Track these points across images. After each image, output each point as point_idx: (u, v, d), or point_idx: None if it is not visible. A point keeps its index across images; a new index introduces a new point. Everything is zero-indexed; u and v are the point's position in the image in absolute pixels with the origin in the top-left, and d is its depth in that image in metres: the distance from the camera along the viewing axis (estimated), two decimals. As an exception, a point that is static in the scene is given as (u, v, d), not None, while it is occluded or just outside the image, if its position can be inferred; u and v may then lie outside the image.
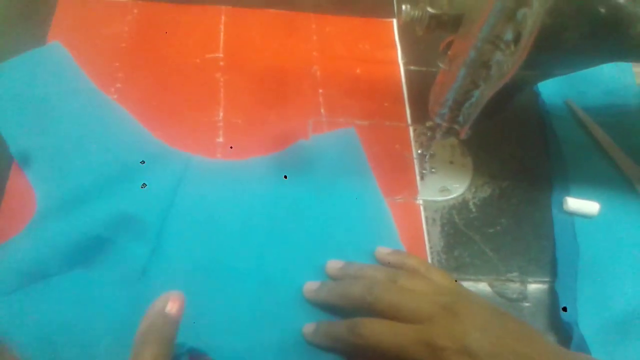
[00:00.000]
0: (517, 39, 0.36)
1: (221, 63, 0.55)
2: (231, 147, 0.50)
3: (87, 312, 0.40)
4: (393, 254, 0.44)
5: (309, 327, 0.40)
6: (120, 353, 0.33)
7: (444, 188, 0.51)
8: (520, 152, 0.54)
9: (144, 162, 0.45)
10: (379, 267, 0.43)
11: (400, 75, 0.57)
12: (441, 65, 0.44)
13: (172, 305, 0.33)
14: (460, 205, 0.51)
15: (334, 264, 0.43)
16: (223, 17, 0.58)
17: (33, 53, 0.52)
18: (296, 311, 0.42)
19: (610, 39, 0.34)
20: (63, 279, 0.41)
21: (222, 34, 0.57)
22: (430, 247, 0.48)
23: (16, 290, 0.40)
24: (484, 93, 0.41)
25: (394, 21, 0.61)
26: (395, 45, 0.60)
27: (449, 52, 0.43)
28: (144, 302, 0.33)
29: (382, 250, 0.45)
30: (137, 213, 0.44)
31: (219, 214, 0.46)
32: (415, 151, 0.52)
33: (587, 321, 0.43)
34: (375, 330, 0.36)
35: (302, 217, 0.47)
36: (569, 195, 0.50)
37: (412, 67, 0.58)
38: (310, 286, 0.42)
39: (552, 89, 0.57)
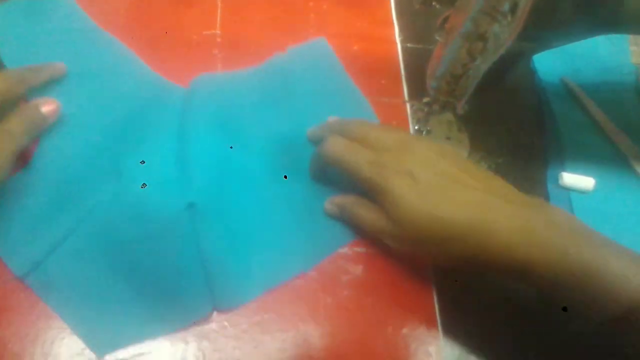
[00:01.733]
0: (513, 10, 0.36)
1: (218, 40, 0.55)
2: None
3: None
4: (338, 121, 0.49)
5: (327, 201, 0.46)
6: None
7: (440, 163, 0.51)
8: (516, 129, 0.54)
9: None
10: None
11: (398, 53, 0.58)
12: (439, 38, 0.44)
13: (47, 107, 0.44)
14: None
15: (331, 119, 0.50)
16: (220, -7, 0.58)
17: None
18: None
19: (604, 10, 0.35)
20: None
21: (219, 10, 0.57)
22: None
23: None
24: (481, 65, 0.41)
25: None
26: (393, 22, 0.60)
27: (446, 25, 0.43)
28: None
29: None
30: (147, 134, 0.48)
31: (224, 119, 0.49)
32: (413, 127, 0.53)
33: None
34: (337, 145, 0.42)
35: (293, 111, 0.52)
36: (564, 170, 0.51)
37: (409, 45, 0.58)
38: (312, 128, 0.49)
39: (548, 66, 0.57)
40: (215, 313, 0.42)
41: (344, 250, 0.46)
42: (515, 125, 0.55)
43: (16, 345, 0.39)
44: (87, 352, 0.39)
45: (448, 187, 0.38)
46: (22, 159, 0.44)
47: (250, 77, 0.53)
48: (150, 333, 0.41)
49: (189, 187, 0.44)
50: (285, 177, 0.48)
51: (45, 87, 0.47)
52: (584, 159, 0.52)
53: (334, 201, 0.46)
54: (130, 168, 0.46)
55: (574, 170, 0.51)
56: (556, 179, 0.51)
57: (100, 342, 0.40)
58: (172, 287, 0.42)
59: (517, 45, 0.37)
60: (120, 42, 0.53)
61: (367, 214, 0.42)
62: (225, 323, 0.41)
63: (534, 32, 0.36)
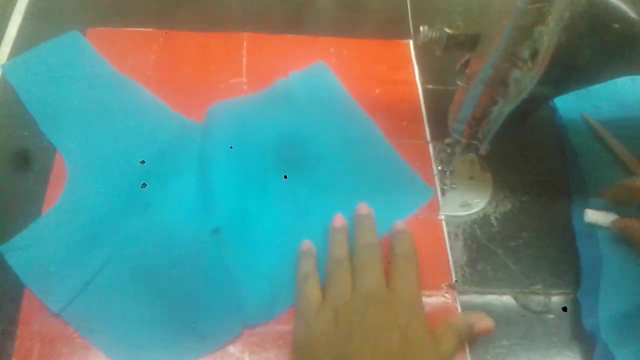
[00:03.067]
0: (534, 56, 0.37)
1: (244, 87, 0.57)
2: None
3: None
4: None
5: None
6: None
7: (465, 203, 0.52)
8: (539, 166, 0.55)
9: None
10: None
11: (418, 94, 0.59)
12: (460, 83, 0.45)
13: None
14: (482, 220, 0.51)
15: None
16: (245, 43, 0.60)
17: (53, 42, 0.57)
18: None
19: (624, 53, 0.36)
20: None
21: (244, 59, 0.59)
22: (454, 262, 0.49)
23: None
24: (502, 109, 0.42)
25: (411, 42, 0.63)
26: (412, 65, 0.61)
27: (467, 71, 0.44)
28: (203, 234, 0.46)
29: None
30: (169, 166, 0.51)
31: (238, 146, 0.52)
32: (436, 167, 0.54)
33: (610, 329, 0.44)
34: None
35: (299, 130, 0.55)
36: (588, 207, 0.51)
37: (429, 86, 0.60)
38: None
39: (568, 104, 0.58)
40: (248, 358, 0.42)
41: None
42: (538, 163, 0.55)
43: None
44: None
45: None
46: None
47: (257, 102, 0.56)
48: (188, 357, 0.42)
49: (212, 213, 0.47)
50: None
51: (69, 129, 0.51)
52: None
53: (616, 223, 0.48)
54: (156, 201, 0.48)
55: (598, 207, 0.51)
56: (581, 216, 0.51)
57: None
58: (204, 310, 0.43)
59: (539, 90, 0.38)
60: (138, 84, 0.56)
61: None
62: (258, 369, 0.42)
63: (555, 78, 0.37)
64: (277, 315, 0.44)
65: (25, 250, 0.45)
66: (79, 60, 0.56)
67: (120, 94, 0.55)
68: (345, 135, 0.55)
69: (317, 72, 0.59)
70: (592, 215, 0.50)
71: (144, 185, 0.48)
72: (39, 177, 0.50)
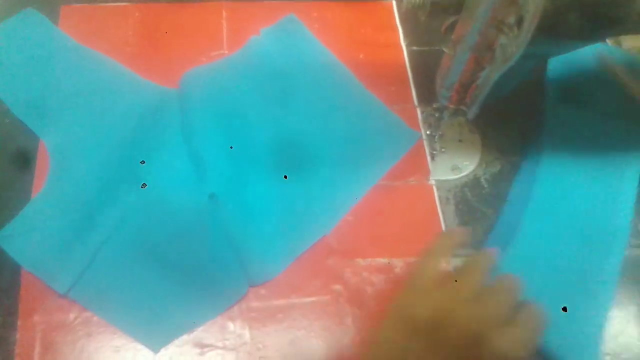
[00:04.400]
0: (519, 23, 0.37)
1: (226, 59, 0.56)
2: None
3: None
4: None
5: None
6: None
7: (455, 167, 0.52)
8: (527, 125, 0.55)
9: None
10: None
11: (404, 57, 0.58)
12: (445, 49, 0.44)
13: None
14: (472, 183, 0.52)
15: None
16: (224, 12, 0.59)
17: (6, 22, 0.55)
18: None
19: (612, 18, 0.35)
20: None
21: (224, 30, 0.58)
22: (446, 226, 0.49)
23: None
24: (490, 75, 0.42)
25: (394, 2, 0.61)
26: (397, 27, 0.60)
27: (453, 36, 0.43)
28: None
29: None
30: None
31: (217, 109, 0.51)
32: (424, 132, 0.53)
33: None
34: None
35: (276, 85, 0.54)
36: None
37: (414, 48, 0.59)
38: None
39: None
40: (248, 334, 0.43)
41: (366, 262, 0.47)
42: (527, 122, 0.55)
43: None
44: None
45: None
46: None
47: (232, 63, 0.55)
48: (198, 320, 0.43)
49: (205, 180, 0.47)
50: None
51: (43, 111, 0.51)
52: None
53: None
54: (148, 173, 0.48)
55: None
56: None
57: (153, 339, 0.42)
58: (209, 274, 0.45)
59: (526, 55, 0.38)
60: (106, 57, 0.54)
61: None
62: (260, 345, 0.43)
63: (542, 43, 0.37)
64: (279, 272, 0.46)
65: (21, 236, 0.45)
66: (41, 38, 0.55)
67: (90, 70, 0.53)
68: (323, 85, 0.55)
69: (288, 25, 0.58)
70: None
71: (143, 162, 0.48)
72: (24, 164, 0.49)
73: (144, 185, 0.47)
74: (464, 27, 0.42)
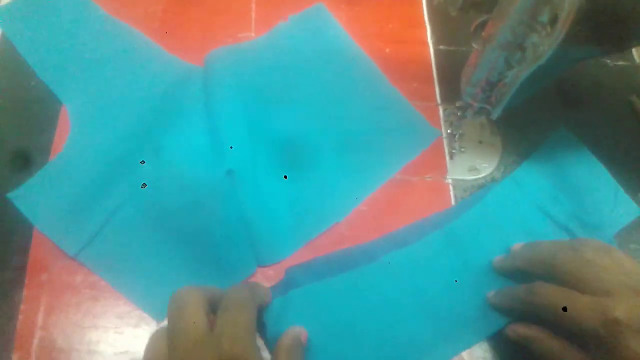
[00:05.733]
0: (553, 21, 0.36)
1: (253, 42, 0.56)
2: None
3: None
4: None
5: (491, 292, 0.43)
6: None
7: (472, 167, 0.52)
8: (549, 131, 0.54)
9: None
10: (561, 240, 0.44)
11: (430, 55, 0.58)
12: (475, 46, 0.44)
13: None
14: (489, 185, 0.51)
15: (517, 246, 0.45)
16: (254, -3, 0.59)
17: None
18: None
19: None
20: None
21: (253, 12, 0.58)
22: (459, 225, 0.49)
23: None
24: (518, 74, 0.41)
25: (423, 0, 0.61)
26: (425, 24, 0.60)
27: (483, 33, 0.43)
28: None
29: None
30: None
31: (243, 88, 0.51)
32: (445, 130, 0.53)
33: None
34: (551, 292, 0.37)
35: (301, 71, 0.54)
36: None
37: (441, 47, 0.58)
38: (498, 258, 0.44)
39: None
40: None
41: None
42: (549, 128, 0.54)
43: (64, 344, 0.41)
44: (132, 350, 0.41)
45: None
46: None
47: (258, 46, 0.56)
48: None
49: (224, 155, 0.47)
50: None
51: (68, 76, 0.51)
52: None
53: (521, 332, 0.40)
54: (167, 144, 0.48)
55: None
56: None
57: (157, 308, 0.42)
58: (219, 249, 0.44)
59: (557, 56, 0.37)
60: (134, 29, 0.55)
61: (565, 352, 0.37)
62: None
63: (573, 45, 0.36)
64: (289, 254, 0.46)
65: (36, 196, 0.45)
66: (70, 6, 0.55)
67: (117, 40, 0.54)
68: (347, 75, 0.55)
69: (316, 14, 0.58)
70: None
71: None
72: (45, 127, 0.49)
73: (161, 154, 0.48)
74: (495, 24, 0.42)
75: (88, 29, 0.54)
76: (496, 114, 0.46)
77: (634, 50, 0.59)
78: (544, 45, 0.37)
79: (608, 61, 0.59)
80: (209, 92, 0.51)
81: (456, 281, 0.44)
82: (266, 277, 0.45)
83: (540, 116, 0.55)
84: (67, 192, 0.45)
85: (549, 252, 0.40)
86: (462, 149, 0.52)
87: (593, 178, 0.50)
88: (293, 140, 0.50)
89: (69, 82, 0.51)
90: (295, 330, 0.39)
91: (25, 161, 0.48)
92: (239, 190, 0.46)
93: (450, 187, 0.50)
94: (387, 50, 0.58)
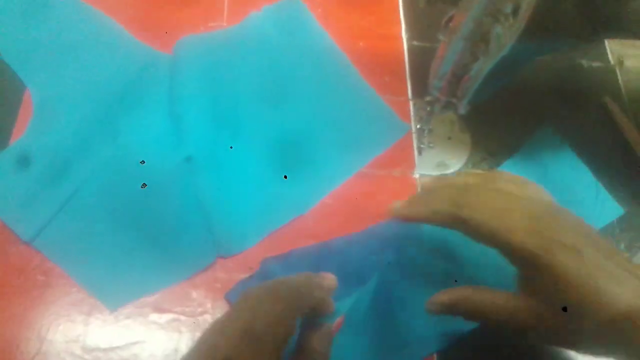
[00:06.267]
0: (515, 11, 0.36)
1: (224, 32, 0.55)
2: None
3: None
4: None
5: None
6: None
7: (441, 163, 0.51)
8: (519, 129, 0.54)
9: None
10: None
11: (404, 51, 0.57)
12: (442, 37, 0.44)
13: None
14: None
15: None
16: (227, -16, 0.58)
17: None
18: None
19: (607, 11, 0.34)
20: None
21: (226, 2, 0.57)
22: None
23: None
24: (483, 66, 0.41)
25: (399, -5, 0.61)
26: (399, 19, 0.59)
27: (450, 24, 0.43)
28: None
29: None
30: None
31: (210, 78, 0.51)
32: (415, 126, 0.53)
33: None
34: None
35: (272, 63, 0.54)
36: None
37: (415, 42, 0.58)
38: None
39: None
40: (210, 303, 0.42)
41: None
42: (519, 126, 0.54)
43: (13, 330, 0.40)
44: (82, 338, 0.40)
45: (613, 270, 0.32)
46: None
47: (229, 35, 0.55)
48: (160, 284, 0.43)
49: (184, 142, 0.46)
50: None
51: (33, 62, 0.50)
52: None
53: (440, 300, 0.37)
54: (126, 130, 0.48)
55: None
56: None
57: (111, 297, 0.42)
58: (176, 238, 0.44)
59: (520, 47, 0.37)
60: (105, 15, 0.54)
61: (494, 298, 0.36)
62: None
63: (536, 35, 0.36)
64: (250, 246, 0.45)
65: None
66: None
67: (86, 25, 0.53)
68: (317, 68, 0.54)
69: (290, 5, 0.58)
70: None
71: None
72: (7, 111, 0.49)
73: (119, 140, 0.47)
74: (461, 15, 0.41)
75: (57, 13, 0.53)
76: (462, 108, 0.46)
77: (609, 52, 0.59)
78: (507, 35, 0.37)
79: (583, 62, 0.59)
80: (174, 79, 0.50)
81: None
82: (225, 269, 0.44)
83: (511, 115, 0.55)
84: (23, 177, 0.44)
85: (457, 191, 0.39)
86: (431, 145, 0.52)
87: (575, 177, 0.51)
88: (257, 131, 0.50)
89: (35, 66, 0.50)
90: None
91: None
92: (198, 178, 0.45)
93: (417, 182, 0.50)
94: (361, 44, 0.57)
